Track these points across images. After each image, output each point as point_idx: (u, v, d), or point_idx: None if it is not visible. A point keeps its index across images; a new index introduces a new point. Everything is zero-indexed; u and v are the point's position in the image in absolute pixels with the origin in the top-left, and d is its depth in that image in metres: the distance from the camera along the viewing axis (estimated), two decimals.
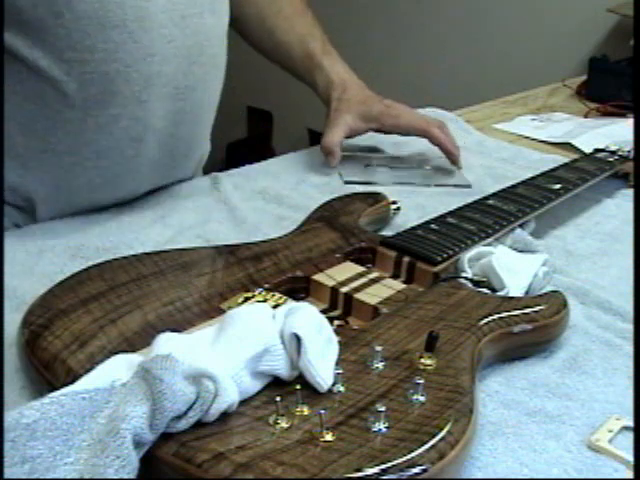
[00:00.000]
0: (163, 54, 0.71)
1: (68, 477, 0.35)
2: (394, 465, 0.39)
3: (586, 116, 1.23)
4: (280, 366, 0.44)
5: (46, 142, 0.70)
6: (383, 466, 0.38)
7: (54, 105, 0.69)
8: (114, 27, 0.68)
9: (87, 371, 0.41)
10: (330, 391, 0.44)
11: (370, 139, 1.04)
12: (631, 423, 0.49)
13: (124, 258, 0.58)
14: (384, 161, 0.95)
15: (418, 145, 1.03)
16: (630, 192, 0.91)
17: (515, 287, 0.60)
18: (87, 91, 0.69)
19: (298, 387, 0.42)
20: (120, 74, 0.69)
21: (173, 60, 0.73)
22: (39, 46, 0.66)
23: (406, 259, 0.62)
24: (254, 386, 0.43)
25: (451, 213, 0.70)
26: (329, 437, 0.40)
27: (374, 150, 1.00)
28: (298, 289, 0.59)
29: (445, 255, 0.62)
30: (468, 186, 0.88)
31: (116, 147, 0.73)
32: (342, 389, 0.44)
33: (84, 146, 0.71)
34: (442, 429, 0.41)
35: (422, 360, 0.47)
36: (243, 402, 0.42)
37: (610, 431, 0.48)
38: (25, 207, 0.75)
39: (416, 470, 0.39)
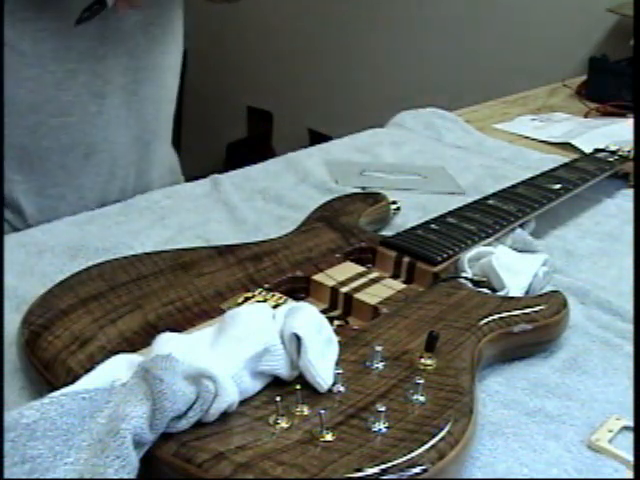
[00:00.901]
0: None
1: (68, 477, 0.35)
2: (394, 465, 0.39)
3: (586, 116, 1.23)
4: (280, 366, 0.44)
5: (8, 103, 0.70)
6: (383, 466, 0.38)
7: (11, 64, 0.69)
8: None
9: (87, 371, 0.41)
10: (330, 391, 0.44)
11: (370, 139, 1.04)
12: (631, 423, 0.49)
13: (124, 258, 0.58)
14: (379, 168, 0.94)
15: (418, 144, 1.03)
16: (630, 192, 0.91)
17: (515, 287, 0.60)
18: (41, 48, 0.69)
19: (298, 387, 0.42)
20: (73, 29, 0.69)
21: (131, 17, 0.73)
22: None
23: (406, 259, 0.62)
24: (254, 386, 0.43)
25: (451, 213, 0.70)
26: (329, 437, 0.40)
27: (370, 158, 0.99)
28: (298, 289, 0.59)
29: (445, 255, 0.62)
30: (462, 193, 0.87)
31: (78, 102, 0.73)
32: (342, 389, 0.44)
33: (45, 103, 0.72)
34: (442, 429, 0.41)
35: (422, 360, 0.47)
36: (243, 402, 0.42)
37: (610, 431, 0.49)
38: (9, 202, 0.74)
39: (416, 470, 0.39)
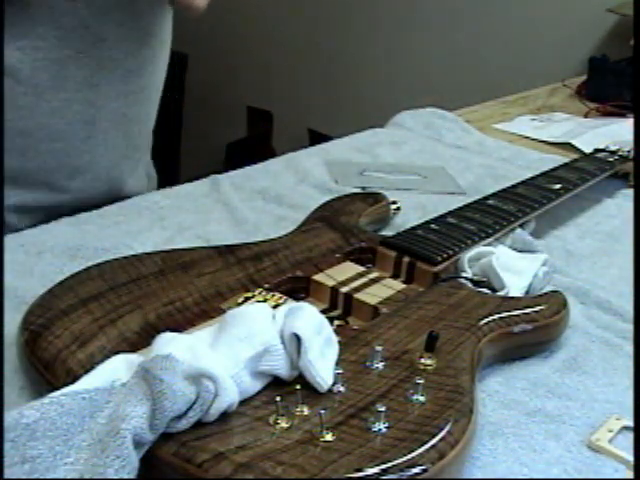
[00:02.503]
0: (113, 38, 0.73)
1: (68, 477, 0.35)
2: (394, 465, 0.39)
3: (586, 116, 1.23)
4: (280, 366, 0.44)
5: None
6: (383, 466, 0.38)
7: (7, 91, 0.70)
8: (64, 14, 0.69)
9: (87, 371, 0.41)
10: (330, 391, 0.44)
11: (370, 139, 1.04)
12: (631, 423, 0.49)
13: (124, 258, 0.58)
14: (379, 168, 0.94)
15: (417, 144, 1.03)
16: (630, 192, 0.91)
17: (515, 287, 0.60)
18: (39, 77, 0.70)
19: (298, 387, 0.42)
20: (71, 59, 0.71)
21: (123, 43, 0.74)
22: None
23: (406, 259, 0.62)
24: (254, 386, 0.43)
25: (451, 213, 0.70)
26: (329, 437, 0.40)
27: (370, 158, 0.99)
28: (298, 289, 0.59)
29: (445, 255, 0.62)
30: (462, 193, 0.87)
31: (69, 129, 0.74)
32: (342, 389, 0.44)
33: (37, 130, 0.73)
34: (442, 429, 0.41)
35: (422, 360, 0.47)
36: (243, 402, 0.42)
37: (610, 431, 0.49)
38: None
39: (416, 470, 0.39)
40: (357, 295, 0.57)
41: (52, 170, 0.76)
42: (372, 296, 0.57)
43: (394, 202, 0.77)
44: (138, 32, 0.76)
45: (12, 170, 0.75)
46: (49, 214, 0.73)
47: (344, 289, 0.58)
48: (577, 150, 1.05)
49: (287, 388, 0.43)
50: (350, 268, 0.61)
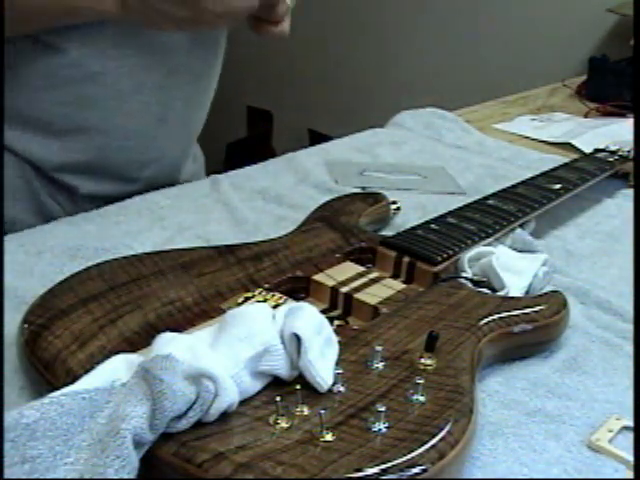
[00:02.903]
0: (185, 47, 0.80)
1: (68, 477, 0.35)
2: (394, 465, 0.39)
3: (586, 116, 1.23)
4: (280, 366, 0.44)
5: (81, 125, 0.79)
6: (383, 466, 0.38)
7: (92, 95, 0.77)
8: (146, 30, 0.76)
9: (87, 371, 0.41)
10: (330, 391, 0.44)
11: (370, 139, 1.04)
12: (631, 423, 0.49)
13: (124, 258, 0.58)
14: (379, 168, 0.94)
15: (417, 144, 1.03)
16: (630, 192, 0.91)
17: (515, 287, 0.60)
18: (122, 82, 0.78)
19: (298, 387, 0.42)
20: (148, 66, 0.79)
21: (193, 52, 0.81)
22: (75, 39, 0.74)
23: (406, 259, 0.62)
24: (254, 386, 0.43)
25: (451, 213, 0.70)
26: (329, 437, 0.40)
27: (370, 158, 0.99)
28: (298, 289, 0.59)
29: (445, 255, 0.62)
30: (462, 193, 0.87)
31: (142, 129, 0.82)
32: (342, 389, 0.44)
33: (115, 130, 0.81)
34: (442, 429, 0.41)
35: (422, 360, 0.47)
36: (243, 402, 0.42)
37: (610, 431, 0.48)
38: (67, 185, 0.82)
39: (416, 470, 0.39)
40: (357, 295, 0.57)
41: (124, 164, 0.84)
42: (372, 296, 0.57)
43: (394, 202, 0.77)
44: (207, 42, 0.84)
45: (88, 165, 0.82)
46: (115, 200, 0.80)
47: (344, 289, 0.58)
48: (577, 150, 1.05)
49: (287, 388, 0.43)
50: (350, 268, 0.61)
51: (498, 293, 0.59)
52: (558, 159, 0.97)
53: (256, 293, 0.55)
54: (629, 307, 0.63)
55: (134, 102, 0.80)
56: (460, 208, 0.72)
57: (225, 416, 0.41)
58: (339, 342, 0.47)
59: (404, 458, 0.39)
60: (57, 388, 0.39)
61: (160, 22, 0.69)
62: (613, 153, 0.93)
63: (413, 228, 0.67)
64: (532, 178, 0.82)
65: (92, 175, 0.83)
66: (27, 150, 0.79)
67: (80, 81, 0.76)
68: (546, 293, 0.59)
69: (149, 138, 0.84)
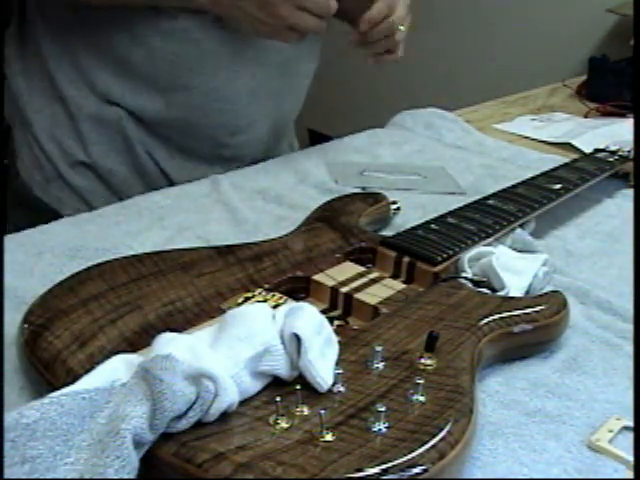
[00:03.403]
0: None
1: (68, 477, 0.35)
2: (394, 465, 0.39)
3: (586, 116, 1.23)
4: (280, 366, 0.44)
5: (187, 86, 0.88)
6: (383, 466, 0.38)
7: (194, 59, 0.87)
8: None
9: (87, 371, 0.41)
10: (330, 391, 0.44)
11: (369, 139, 1.04)
12: (631, 423, 0.49)
13: (124, 258, 0.58)
14: (379, 168, 0.94)
15: (417, 145, 1.03)
16: (630, 192, 0.91)
17: (515, 287, 0.60)
18: (221, 50, 0.87)
19: (298, 387, 0.42)
20: (245, 38, 0.87)
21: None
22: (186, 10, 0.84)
23: (406, 259, 0.62)
24: (254, 386, 0.43)
25: (451, 213, 0.70)
26: (329, 437, 0.40)
27: (370, 158, 0.99)
28: (298, 289, 0.59)
29: (445, 255, 0.62)
30: (462, 193, 0.87)
31: (236, 96, 0.91)
32: (342, 389, 0.44)
33: (213, 91, 0.89)
34: (442, 429, 0.41)
35: (422, 360, 0.47)
36: (243, 402, 0.42)
37: (610, 431, 0.48)
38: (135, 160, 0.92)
39: (416, 470, 0.39)
40: (357, 295, 0.57)
41: (218, 126, 0.92)
42: (372, 296, 0.57)
43: (394, 202, 0.77)
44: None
45: (187, 121, 0.91)
46: (205, 164, 0.93)
47: (344, 289, 0.58)
48: (577, 150, 1.05)
49: (287, 388, 0.43)
50: (350, 268, 0.61)
51: (498, 293, 0.59)
52: (558, 159, 0.97)
53: (256, 293, 0.55)
54: (629, 307, 0.63)
55: (229, 71, 0.89)
56: (460, 208, 0.72)
57: (225, 416, 0.41)
58: (339, 342, 0.47)
59: (404, 458, 0.39)
60: (57, 388, 0.39)
61: (240, 19, 0.80)
62: (613, 153, 0.93)
63: (413, 228, 0.67)
64: (532, 178, 0.82)
65: (188, 132, 0.92)
66: (135, 102, 0.89)
67: (187, 44, 0.86)
68: (546, 293, 0.59)
69: (241, 105, 0.92)
